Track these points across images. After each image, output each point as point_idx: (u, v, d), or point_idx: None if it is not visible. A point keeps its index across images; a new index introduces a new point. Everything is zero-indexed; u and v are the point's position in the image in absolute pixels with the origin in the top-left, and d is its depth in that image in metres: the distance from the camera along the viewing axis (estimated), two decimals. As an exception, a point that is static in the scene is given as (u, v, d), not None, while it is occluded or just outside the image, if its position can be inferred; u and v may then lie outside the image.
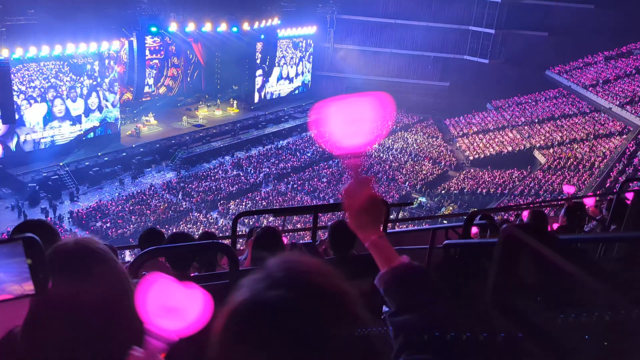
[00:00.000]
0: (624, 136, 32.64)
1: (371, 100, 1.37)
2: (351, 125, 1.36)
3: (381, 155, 37.50)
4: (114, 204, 27.36)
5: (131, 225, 25.46)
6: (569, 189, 9.81)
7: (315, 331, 0.90)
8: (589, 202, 7.56)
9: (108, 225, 25.32)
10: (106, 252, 1.51)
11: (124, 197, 28.12)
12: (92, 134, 31.10)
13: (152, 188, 29.56)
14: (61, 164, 28.40)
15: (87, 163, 29.58)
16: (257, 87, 41.13)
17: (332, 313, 0.93)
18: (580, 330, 1.86)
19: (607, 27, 39.66)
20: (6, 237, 1.51)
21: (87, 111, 30.66)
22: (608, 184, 25.34)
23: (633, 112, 33.91)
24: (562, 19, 42.58)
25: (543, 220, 5.03)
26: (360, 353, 0.94)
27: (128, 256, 15.07)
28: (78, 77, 29.75)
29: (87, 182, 28.94)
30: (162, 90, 38.99)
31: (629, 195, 5.52)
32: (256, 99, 41.12)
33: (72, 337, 1.41)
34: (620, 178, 24.50)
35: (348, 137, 1.36)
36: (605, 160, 30.35)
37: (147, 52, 35.47)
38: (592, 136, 34.45)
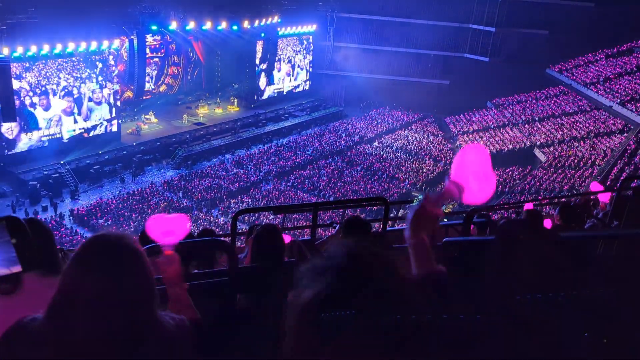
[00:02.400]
0: (625, 134, 32.60)
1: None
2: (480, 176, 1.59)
3: (381, 153, 37.50)
4: (114, 202, 27.40)
5: (132, 223, 25.49)
6: (596, 187, 9.48)
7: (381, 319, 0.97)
8: (603, 198, 7.45)
9: (109, 223, 25.34)
10: (142, 252, 1.53)
11: (125, 195, 28.15)
12: (92, 132, 31.07)
13: (153, 186, 29.60)
14: (62, 162, 28.43)
15: (87, 161, 29.62)
16: (257, 85, 41.12)
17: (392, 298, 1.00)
18: (579, 326, 1.86)
19: (608, 24, 39.59)
20: None
21: (88, 109, 30.64)
22: (609, 182, 25.31)
23: (634, 110, 33.85)
24: (562, 17, 42.51)
25: (538, 219, 5.05)
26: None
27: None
28: (79, 75, 29.73)
29: (87, 180, 28.98)
30: (162, 88, 38.98)
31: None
32: (256, 97, 41.12)
33: (97, 328, 1.43)
34: (621, 176, 24.48)
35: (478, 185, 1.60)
36: (606, 159, 30.32)
37: (148, 51, 35.45)
38: (592, 134, 34.42)
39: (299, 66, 44.63)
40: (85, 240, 1.52)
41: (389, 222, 6.48)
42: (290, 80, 44.17)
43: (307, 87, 45.55)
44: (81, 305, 1.43)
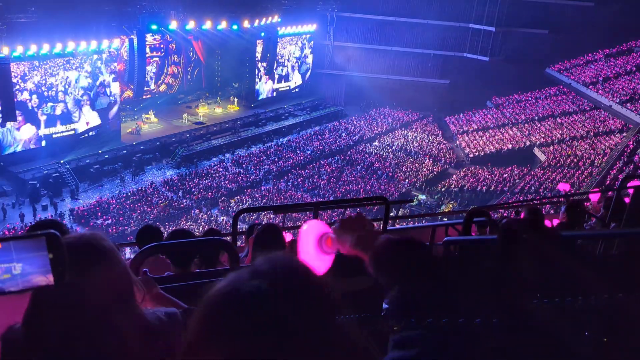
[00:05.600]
0: (624, 134, 32.62)
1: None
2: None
3: (381, 152, 37.50)
4: (114, 201, 27.40)
5: (132, 223, 25.50)
6: (564, 187, 9.81)
7: (288, 322, 0.90)
8: (593, 197, 7.52)
9: (109, 222, 25.35)
10: (110, 249, 1.50)
11: (125, 195, 28.16)
12: (93, 132, 31.08)
13: (153, 185, 29.60)
14: (62, 161, 28.43)
15: (87, 161, 29.63)
16: (257, 84, 41.12)
17: (307, 305, 0.94)
18: (579, 325, 1.87)
19: (607, 24, 39.58)
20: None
21: (88, 108, 30.64)
22: (608, 182, 25.35)
23: (633, 109, 33.88)
24: (562, 16, 42.53)
25: (539, 217, 5.05)
26: (330, 345, 0.94)
27: (128, 253, 15.10)
28: (79, 75, 29.73)
29: (87, 180, 28.99)
30: (162, 88, 38.99)
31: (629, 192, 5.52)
32: (256, 97, 41.13)
33: (72, 332, 1.42)
34: (620, 176, 24.50)
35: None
36: (605, 158, 30.34)
37: (148, 50, 35.45)
38: (592, 134, 34.44)
39: (299, 66, 44.62)
40: None
41: (389, 221, 6.48)
42: (290, 80, 44.16)
43: (307, 87, 45.53)
44: (53, 310, 1.41)
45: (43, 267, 1.22)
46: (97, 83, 30.74)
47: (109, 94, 31.46)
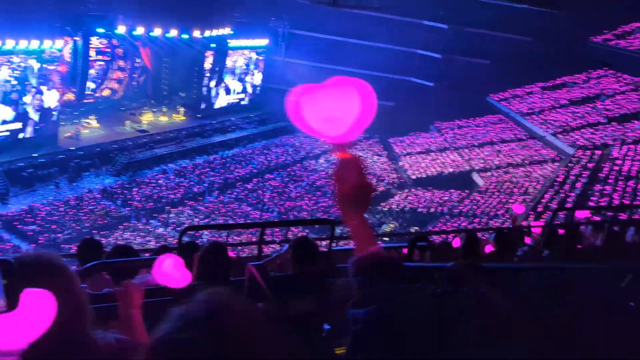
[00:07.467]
0: (557, 163, 34.48)
1: (348, 89, 1.35)
2: (331, 114, 1.39)
3: (327, 170, 37.81)
4: (47, 207, 26.17)
5: (65, 231, 24.42)
6: (518, 209, 10.24)
7: None
8: (536, 229, 7.99)
9: (40, 230, 24.17)
10: (67, 269, 1.50)
11: (59, 202, 26.96)
12: (25, 134, 29.63)
13: (90, 193, 28.52)
14: (-8, 163, 26.96)
15: (20, 164, 28.17)
16: (205, 95, 40.60)
17: (245, 350, 0.95)
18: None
19: (544, 59, 41.95)
20: None
21: (23, 110, 29.25)
22: (539, 209, 26.61)
23: (565, 141, 35.94)
24: (503, 49, 44.64)
25: (475, 243, 5.29)
26: None
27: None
28: (17, 75, 28.37)
29: (19, 184, 27.55)
30: (105, 92, 37.77)
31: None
32: (203, 108, 40.58)
33: (27, 352, 1.40)
34: (550, 204, 25.83)
35: (328, 127, 1.38)
36: (538, 186, 31.89)
37: (93, 53, 34.36)
38: (527, 162, 36.16)
39: (248, 79, 44.47)
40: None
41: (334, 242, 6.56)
42: (239, 93, 43.90)
43: (256, 101, 45.39)
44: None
45: None
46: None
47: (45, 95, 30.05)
